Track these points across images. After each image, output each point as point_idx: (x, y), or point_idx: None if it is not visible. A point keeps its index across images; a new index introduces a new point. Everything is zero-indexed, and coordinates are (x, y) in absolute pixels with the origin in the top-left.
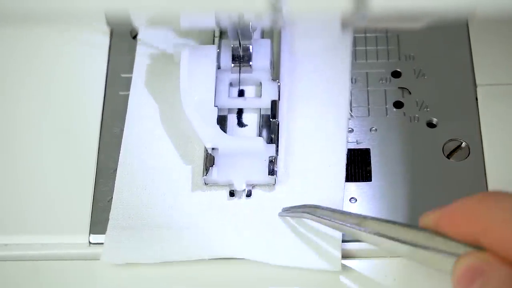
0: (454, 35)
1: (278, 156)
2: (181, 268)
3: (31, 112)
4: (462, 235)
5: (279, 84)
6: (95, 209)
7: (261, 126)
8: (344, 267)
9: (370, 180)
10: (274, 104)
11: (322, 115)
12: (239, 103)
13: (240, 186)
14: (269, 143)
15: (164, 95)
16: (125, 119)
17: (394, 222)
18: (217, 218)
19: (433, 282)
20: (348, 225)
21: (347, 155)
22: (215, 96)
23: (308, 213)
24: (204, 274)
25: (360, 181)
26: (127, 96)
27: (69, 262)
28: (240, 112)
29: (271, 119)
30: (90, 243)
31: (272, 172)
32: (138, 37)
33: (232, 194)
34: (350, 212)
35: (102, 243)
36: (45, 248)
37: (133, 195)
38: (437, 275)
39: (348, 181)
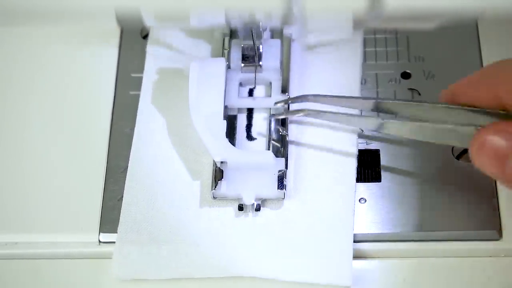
0: (463, 36)
1: (287, 170)
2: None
3: (42, 111)
4: (482, 99)
5: (288, 96)
6: (105, 208)
7: (270, 138)
8: (353, 267)
9: (380, 181)
10: (284, 120)
11: (332, 130)
12: (248, 103)
13: (249, 200)
14: (278, 156)
15: (172, 108)
16: (135, 118)
17: (406, 100)
18: (226, 235)
19: (442, 283)
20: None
21: (357, 156)
22: (224, 99)
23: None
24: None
25: (369, 182)
26: (137, 96)
27: (78, 260)
28: (249, 126)
29: (279, 127)
30: (99, 241)
31: (281, 186)
32: (147, 48)
33: (240, 208)
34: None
35: (112, 242)
36: (55, 247)
37: (141, 210)
38: (445, 276)
39: (358, 182)
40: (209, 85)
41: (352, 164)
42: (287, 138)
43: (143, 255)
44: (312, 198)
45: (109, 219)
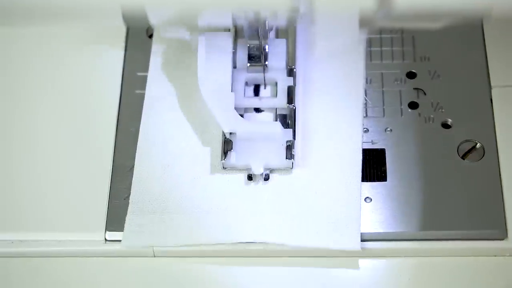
0: (469, 36)
1: (295, 140)
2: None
3: (48, 110)
4: None
5: (295, 69)
6: (111, 207)
7: (278, 114)
8: (359, 266)
9: (385, 180)
10: (291, 90)
11: (338, 101)
12: (255, 102)
13: (258, 170)
14: (286, 127)
15: (181, 82)
16: (141, 117)
17: None
18: (235, 203)
19: (447, 281)
20: None
21: (363, 155)
22: (232, 81)
23: None
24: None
25: (375, 181)
26: (143, 95)
27: (85, 259)
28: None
29: (287, 105)
30: (106, 240)
31: (289, 156)
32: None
33: (250, 178)
34: None
35: (118, 241)
36: (62, 245)
37: (152, 181)
38: (450, 275)
39: (363, 181)
40: (217, 58)
41: (358, 133)
42: (295, 109)
43: (155, 224)
44: (320, 167)
45: (115, 218)
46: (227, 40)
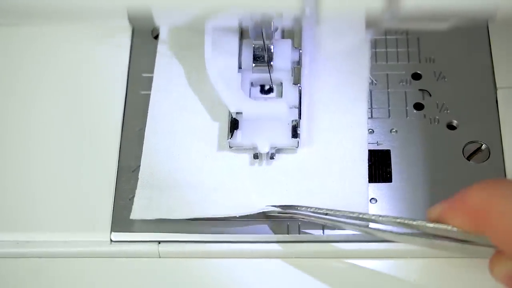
0: (474, 37)
1: (301, 120)
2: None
3: (54, 111)
4: (465, 226)
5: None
6: (117, 207)
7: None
8: (363, 267)
9: (391, 181)
10: (297, 71)
11: (343, 81)
12: (260, 103)
13: (263, 149)
14: (292, 107)
15: (188, 63)
16: (146, 117)
17: (395, 218)
18: (242, 179)
19: (452, 283)
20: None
21: (368, 156)
22: (238, 61)
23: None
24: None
25: (380, 182)
26: (148, 96)
27: (90, 259)
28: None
29: (293, 84)
30: (111, 240)
31: (295, 135)
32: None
33: (256, 156)
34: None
35: (123, 241)
36: (67, 246)
37: (161, 157)
38: (455, 276)
39: (369, 182)
40: (224, 39)
41: (363, 111)
42: (300, 89)
43: (164, 198)
44: (326, 146)
45: (121, 218)
46: (234, 22)
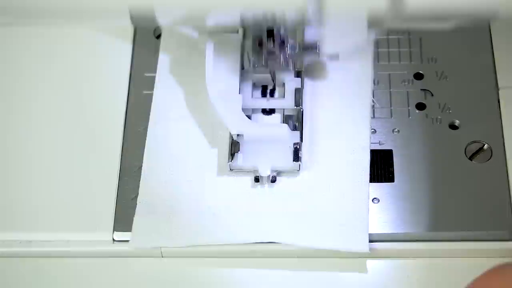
0: (476, 37)
1: (302, 143)
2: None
3: (56, 110)
4: None
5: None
6: (119, 207)
7: (286, 116)
8: (367, 267)
9: (393, 181)
10: (298, 92)
11: (345, 104)
12: (262, 103)
13: (265, 172)
14: (294, 130)
15: (189, 84)
16: (148, 118)
17: None
18: (242, 204)
19: (455, 283)
20: None
21: (371, 156)
22: (239, 84)
23: None
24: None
25: (382, 182)
26: (151, 95)
27: (92, 259)
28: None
29: (295, 107)
30: (114, 240)
31: (296, 158)
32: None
33: (257, 180)
34: None
35: (126, 241)
36: (69, 245)
37: (160, 182)
38: (458, 276)
39: (371, 182)
40: (225, 60)
41: (365, 135)
42: (302, 111)
43: (162, 225)
44: (327, 169)
45: (123, 218)
46: (235, 42)
